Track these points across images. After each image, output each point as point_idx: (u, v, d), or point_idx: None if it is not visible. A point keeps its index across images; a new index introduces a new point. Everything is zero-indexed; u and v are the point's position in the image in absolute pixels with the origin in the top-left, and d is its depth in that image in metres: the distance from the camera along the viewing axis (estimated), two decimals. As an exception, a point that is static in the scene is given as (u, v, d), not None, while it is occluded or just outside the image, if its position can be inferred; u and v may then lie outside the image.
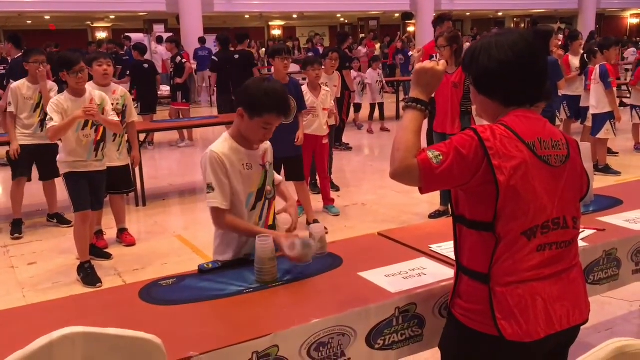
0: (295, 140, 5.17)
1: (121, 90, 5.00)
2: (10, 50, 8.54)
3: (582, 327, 1.80)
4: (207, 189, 2.42)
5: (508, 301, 1.64)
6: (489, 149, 1.62)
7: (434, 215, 5.59)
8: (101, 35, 22.79)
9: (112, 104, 4.69)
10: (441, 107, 5.35)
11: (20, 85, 5.28)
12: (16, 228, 5.43)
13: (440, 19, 6.50)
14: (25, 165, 5.41)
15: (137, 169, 6.31)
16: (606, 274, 2.49)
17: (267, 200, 2.54)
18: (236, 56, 9.42)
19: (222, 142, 2.45)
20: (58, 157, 4.33)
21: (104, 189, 4.59)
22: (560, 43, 8.53)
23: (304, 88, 5.56)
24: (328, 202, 5.94)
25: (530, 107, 1.78)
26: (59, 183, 5.47)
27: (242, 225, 2.45)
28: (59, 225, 5.65)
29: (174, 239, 5.28)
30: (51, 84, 5.40)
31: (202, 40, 14.95)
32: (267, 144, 2.61)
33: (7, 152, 5.33)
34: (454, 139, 1.67)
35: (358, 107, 11.04)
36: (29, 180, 5.55)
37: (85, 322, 1.60)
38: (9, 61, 8.52)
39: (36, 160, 5.45)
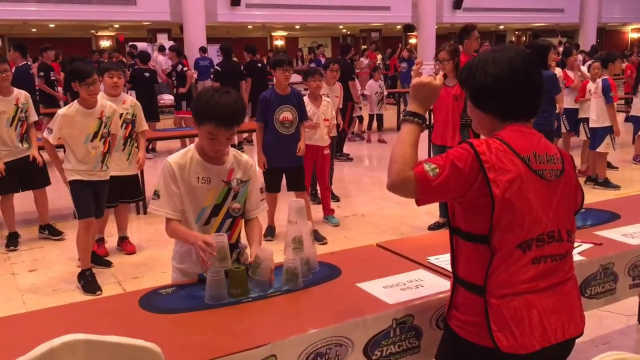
0: (297, 151, 5.20)
1: (131, 100, 5.04)
2: (16, 59, 8.62)
3: (579, 341, 1.82)
4: (153, 195, 2.42)
5: (503, 313, 1.66)
6: (484, 162, 1.64)
7: (434, 227, 5.60)
8: (105, 43, 22.89)
9: (122, 114, 4.77)
10: (441, 120, 5.37)
11: None
12: (11, 241, 5.30)
13: (466, 31, 6.29)
14: (12, 182, 5.15)
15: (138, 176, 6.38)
16: (603, 288, 2.50)
17: (229, 218, 2.46)
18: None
19: (183, 153, 2.44)
20: (63, 164, 4.36)
21: (106, 197, 4.61)
22: (557, 58, 8.48)
23: (305, 99, 5.58)
24: (328, 213, 5.95)
25: (526, 122, 1.81)
26: (50, 191, 5.51)
27: (181, 232, 2.38)
28: (51, 237, 5.49)
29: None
30: (23, 93, 5.19)
31: (203, 50, 15.01)
32: (246, 162, 2.50)
33: None
34: (450, 152, 1.70)
35: (360, 119, 11.08)
36: (17, 192, 5.37)
37: (86, 329, 1.62)
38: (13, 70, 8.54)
39: (22, 173, 5.20)
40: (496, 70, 1.73)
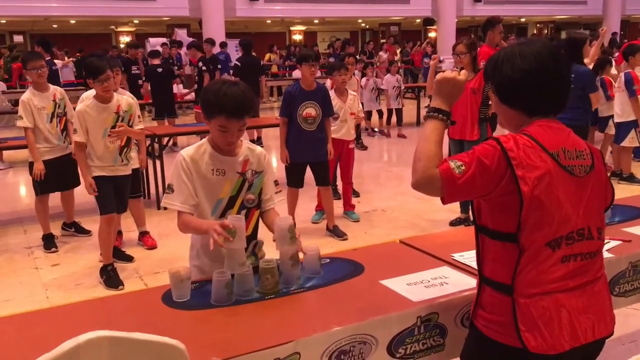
0: (328, 155, 5.16)
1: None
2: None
3: (605, 339, 1.78)
4: (167, 189, 2.41)
5: (532, 313, 1.63)
6: (512, 159, 1.61)
7: (455, 223, 5.55)
8: (125, 39, 23.09)
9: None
10: (459, 114, 5.30)
11: (31, 97, 4.94)
12: (50, 242, 5.22)
13: (490, 23, 6.18)
14: (50, 182, 5.06)
15: (158, 173, 6.42)
16: (632, 285, 2.45)
17: (243, 209, 2.45)
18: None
19: (195, 146, 2.43)
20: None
21: (128, 193, 4.64)
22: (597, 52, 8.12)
23: (331, 93, 5.54)
24: (349, 208, 5.93)
25: (554, 117, 1.77)
26: (77, 192, 5.50)
27: (193, 223, 2.35)
28: (76, 234, 5.51)
29: (194, 242, 5.31)
30: (59, 89, 5.21)
31: (223, 45, 15.04)
32: (259, 153, 2.50)
33: (30, 169, 4.99)
34: (476, 148, 1.66)
35: (370, 115, 10.99)
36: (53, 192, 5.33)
37: (110, 325, 1.63)
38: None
39: (59, 174, 5.12)
40: (524, 64, 1.69)
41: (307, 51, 5.65)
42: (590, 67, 6.49)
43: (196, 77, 10.15)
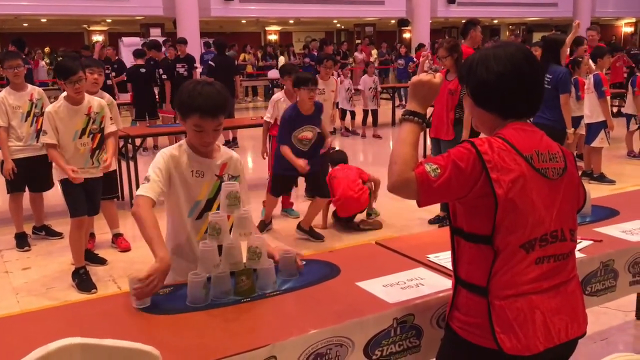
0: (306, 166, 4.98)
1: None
2: None
3: (576, 337, 1.80)
4: (144, 180, 2.34)
5: (507, 314, 1.64)
6: (487, 162, 1.62)
7: (434, 221, 5.59)
8: (97, 38, 22.73)
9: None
10: (436, 113, 5.38)
11: (6, 96, 4.90)
12: (23, 241, 5.19)
13: (472, 23, 6.10)
14: (21, 180, 5.05)
15: (132, 174, 6.34)
16: (603, 285, 2.49)
17: None
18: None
19: (175, 147, 2.41)
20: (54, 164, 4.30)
21: (100, 195, 4.57)
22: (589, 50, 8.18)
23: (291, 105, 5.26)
24: (287, 205, 6.03)
25: (528, 120, 1.79)
26: (48, 195, 5.42)
27: (147, 222, 2.20)
28: (48, 237, 5.43)
29: (169, 244, 5.26)
30: (37, 89, 5.17)
31: (208, 45, 14.87)
32: (237, 159, 2.50)
33: (0, 168, 5.03)
34: (451, 151, 1.67)
35: (344, 114, 11.02)
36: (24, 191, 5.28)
37: (82, 331, 1.60)
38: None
39: (31, 173, 5.06)
40: (498, 66, 1.71)
41: (306, 74, 5.38)
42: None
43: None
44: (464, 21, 6.22)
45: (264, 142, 6.02)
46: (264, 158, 6.10)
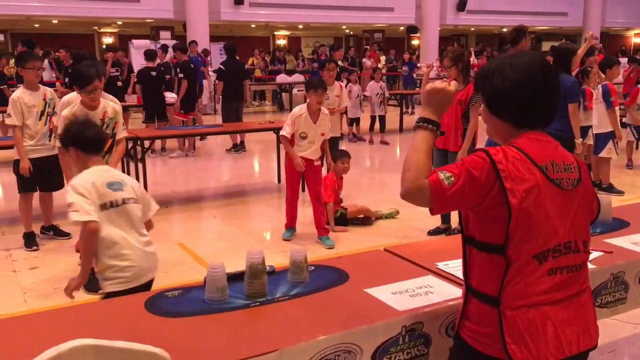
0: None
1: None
2: None
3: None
4: None
5: (518, 325, 1.63)
6: (501, 171, 1.61)
7: (433, 232, 5.52)
8: (108, 40, 22.85)
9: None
10: (444, 123, 5.29)
11: (22, 95, 4.98)
12: (30, 241, 5.21)
13: (522, 32, 5.93)
14: (33, 180, 5.08)
15: (140, 176, 6.35)
16: (614, 297, 2.48)
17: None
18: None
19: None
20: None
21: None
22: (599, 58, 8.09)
23: (304, 111, 5.20)
24: (322, 233, 5.38)
25: (543, 130, 1.78)
26: (57, 195, 5.45)
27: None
28: (56, 237, 5.45)
29: (175, 246, 5.27)
30: (48, 89, 5.26)
31: (205, 52, 14.83)
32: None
33: (14, 166, 5.05)
34: (465, 160, 1.67)
35: (352, 121, 11.02)
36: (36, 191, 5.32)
37: (92, 333, 1.60)
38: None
39: (43, 173, 5.08)
40: (514, 75, 1.70)
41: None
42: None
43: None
44: (513, 29, 6.06)
45: (294, 156, 5.21)
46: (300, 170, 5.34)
